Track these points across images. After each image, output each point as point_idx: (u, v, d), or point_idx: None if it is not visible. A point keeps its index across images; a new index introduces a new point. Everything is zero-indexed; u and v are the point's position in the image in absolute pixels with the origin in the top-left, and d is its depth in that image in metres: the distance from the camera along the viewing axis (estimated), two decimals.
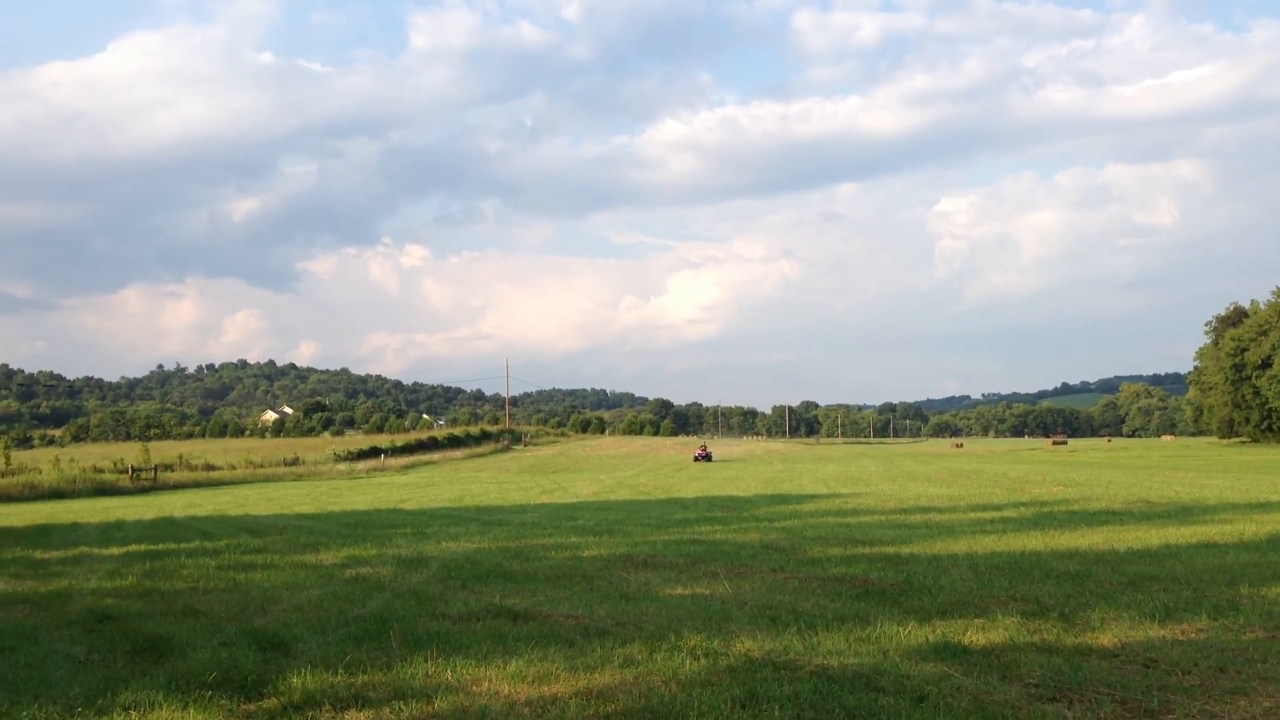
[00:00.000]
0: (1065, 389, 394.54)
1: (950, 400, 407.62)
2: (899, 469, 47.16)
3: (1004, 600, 9.73)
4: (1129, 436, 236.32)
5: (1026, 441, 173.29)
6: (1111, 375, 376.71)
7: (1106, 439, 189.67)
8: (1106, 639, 8.02)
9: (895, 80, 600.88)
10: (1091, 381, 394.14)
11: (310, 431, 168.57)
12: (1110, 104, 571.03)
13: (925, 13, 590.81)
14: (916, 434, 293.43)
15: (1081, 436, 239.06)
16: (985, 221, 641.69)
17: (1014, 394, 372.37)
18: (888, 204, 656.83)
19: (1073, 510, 20.17)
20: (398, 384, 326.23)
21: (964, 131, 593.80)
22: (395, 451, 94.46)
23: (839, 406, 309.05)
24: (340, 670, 7.45)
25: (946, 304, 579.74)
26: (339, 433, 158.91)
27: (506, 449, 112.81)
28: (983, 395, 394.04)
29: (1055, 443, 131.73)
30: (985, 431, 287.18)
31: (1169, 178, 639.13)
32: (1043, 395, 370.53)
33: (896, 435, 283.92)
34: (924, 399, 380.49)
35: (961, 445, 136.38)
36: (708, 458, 69.63)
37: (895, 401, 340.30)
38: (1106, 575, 11.14)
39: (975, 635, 8.17)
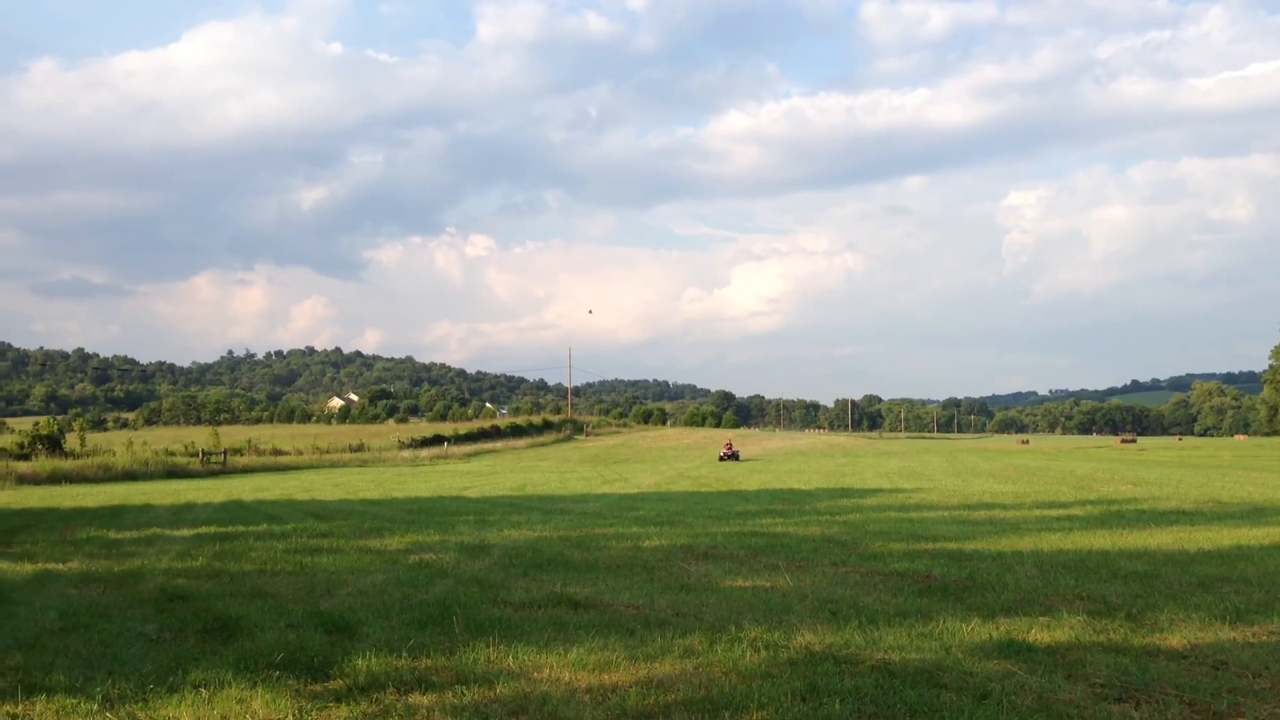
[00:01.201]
0: (1135, 386, 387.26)
1: (1016, 396, 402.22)
2: (963, 465, 46.65)
3: (1070, 599, 9.60)
4: (1201, 435, 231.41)
5: (1094, 439, 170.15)
6: (1183, 373, 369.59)
7: (1177, 438, 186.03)
8: (1175, 640, 7.88)
9: (964, 72, 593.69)
10: (1162, 379, 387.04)
11: (375, 419, 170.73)
12: (1186, 97, 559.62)
13: (996, 3, 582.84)
14: (981, 430, 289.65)
15: (1151, 435, 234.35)
16: (1055, 216, 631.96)
17: (1082, 391, 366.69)
18: (955, 197, 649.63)
19: (1141, 509, 19.83)
20: (461, 372, 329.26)
21: (1034, 124, 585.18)
22: (458, 440, 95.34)
23: (902, 401, 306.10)
24: (404, 654, 7.55)
25: (1014, 299, 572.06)
26: (403, 420, 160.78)
27: (568, 439, 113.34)
28: (1050, 391, 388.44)
29: (1124, 441, 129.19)
30: (1052, 428, 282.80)
31: (1245, 172, 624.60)
32: (1112, 392, 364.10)
33: (960, 431, 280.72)
34: (989, 394, 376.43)
35: (1027, 442, 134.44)
36: (734, 456, 60.68)
37: (960, 397, 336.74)
38: (1176, 576, 10.94)
39: (1040, 633, 8.07)
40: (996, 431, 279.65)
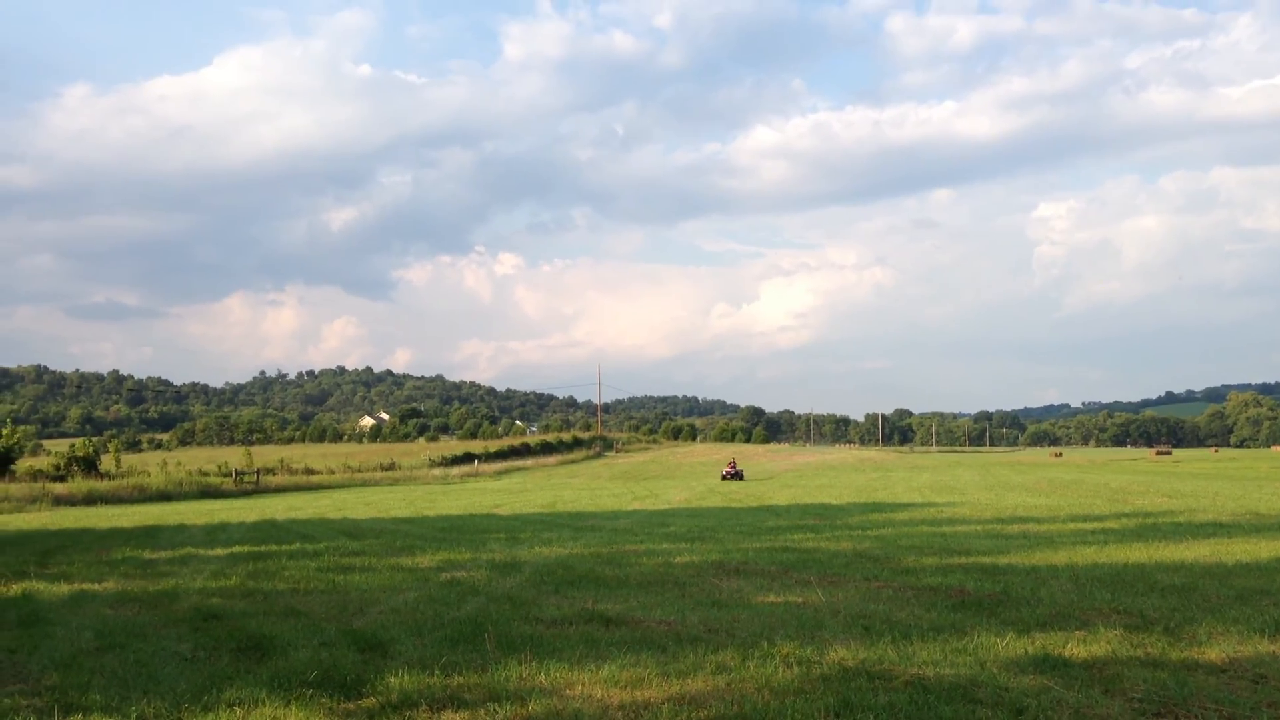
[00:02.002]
0: (1170, 398, 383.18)
1: (1049, 409, 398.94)
2: (995, 478, 46.32)
3: (1106, 613, 9.50)
4: (1237, 447, 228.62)
5: (1129, 451, 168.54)
6: (1219, 384, 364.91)
7: (1213, 449, 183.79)
8: (1213, 654, 7.78)
9: (992, 84, 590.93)
10: (1197, 390, 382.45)
11: (406, 437, 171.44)
12: (1216, 106, 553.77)
13: (1023, 14, 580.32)
14: (1013, 443, 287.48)
15: (1187, 447, 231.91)
16: (1085, 227, 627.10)
17: (1115, 403, 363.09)
18: (984, 210, 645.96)
19: (1178, 522, 19.61)
20: (491, 390, 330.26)
21: (1063, 135, 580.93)
22: (489, 457, 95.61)
23: (933, 415, 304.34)
24: (436, 671, 7.56)
25: (1045, 311, 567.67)
26: (434, 439, 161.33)
27: (598, 455, 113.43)
28: (1083, 404, 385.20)
29: (1159, 453, 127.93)
30: (1085, 441, 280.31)
31: (1278, 181, 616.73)
32: (1146, 404, 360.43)
33: (993, 444, 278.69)
34: (1021, 407, 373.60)
35: (1060, 455, 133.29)
36: (737, 476, 57.36)
37: (991, 410, 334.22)
38: (1214, 589, 10.81)
39: (1076, 648, 7.99)
40: (1029, 445, 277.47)
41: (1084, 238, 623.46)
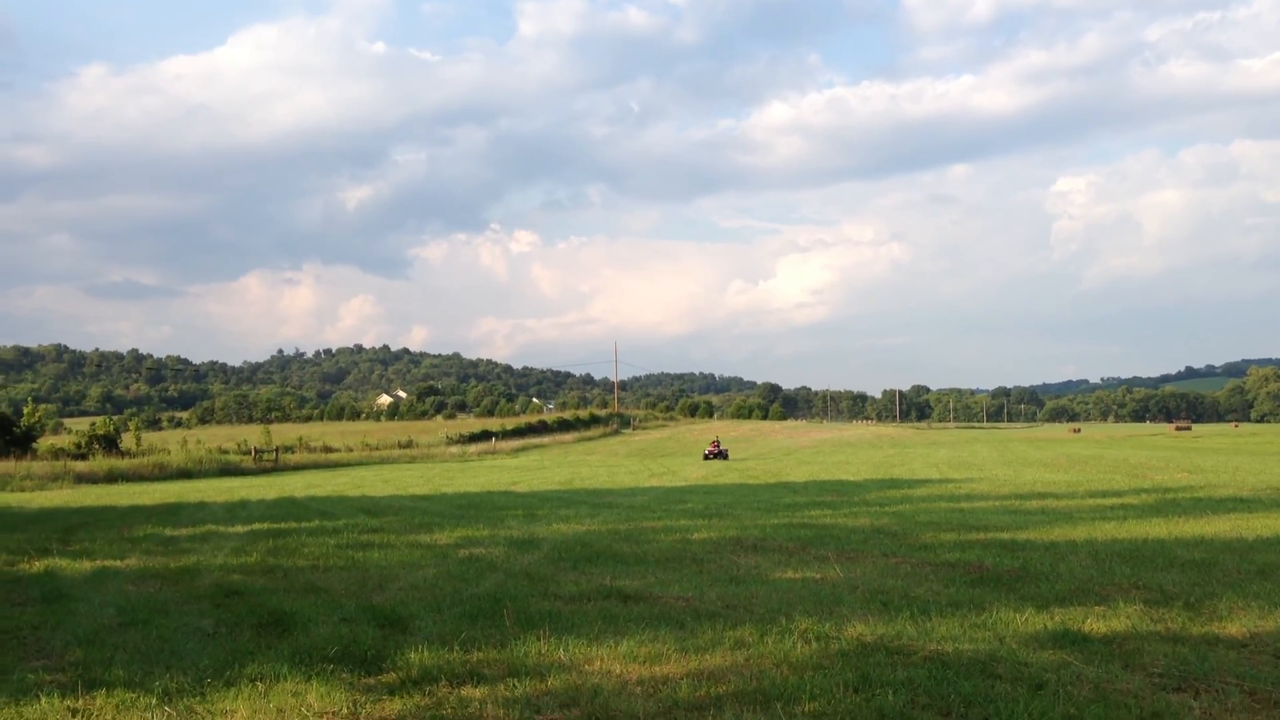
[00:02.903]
0: (1189, 373, 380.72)
1: (1067, 384, 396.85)
2: (1014, 454, 46.20)
3: (1126, 588, 9.48)
4: (1257, 422, 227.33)
5: (1148, 427, 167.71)
6: (1239, 358, 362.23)
7: (1233, 424, 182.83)
8: (1234, 628, 7.76)
9: (1010, 57, 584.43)
10: (1217, 365, 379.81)
11: (423, 415, 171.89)
12: (1238, 78, 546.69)
13: None
14: (1032, 419, 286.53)
15: (1207, 422, 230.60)
16: (1105, 201, 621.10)
17: (1135, 378, 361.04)
18: (1001, 185, 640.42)
19: (1198, 497, 19.53)
20: (508, 368, 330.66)
21: (1082, 109, 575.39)
22: (506, 435, 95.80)
23: (951, 391, 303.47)
24: (456, 647, 7.60)
25: (1063, 286, 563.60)
26: (451, 416, 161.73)
27: (615, 432, 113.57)
28: (1102, 379, 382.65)
29: (1179, 428, 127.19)
30: (1104, 416, 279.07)
31: None
32: (1165, 379, 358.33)
33: (1011, 420, 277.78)
34: (1040, 383, 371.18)
35: (1079, 430, 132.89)
36: (721, 455, 54.08)
37: (1009, 386, 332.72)
38: (1234, 564, 10.77)
39: (1096, 623, 7.97)
40: (1047, 420, 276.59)
41: (1103, 212, 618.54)
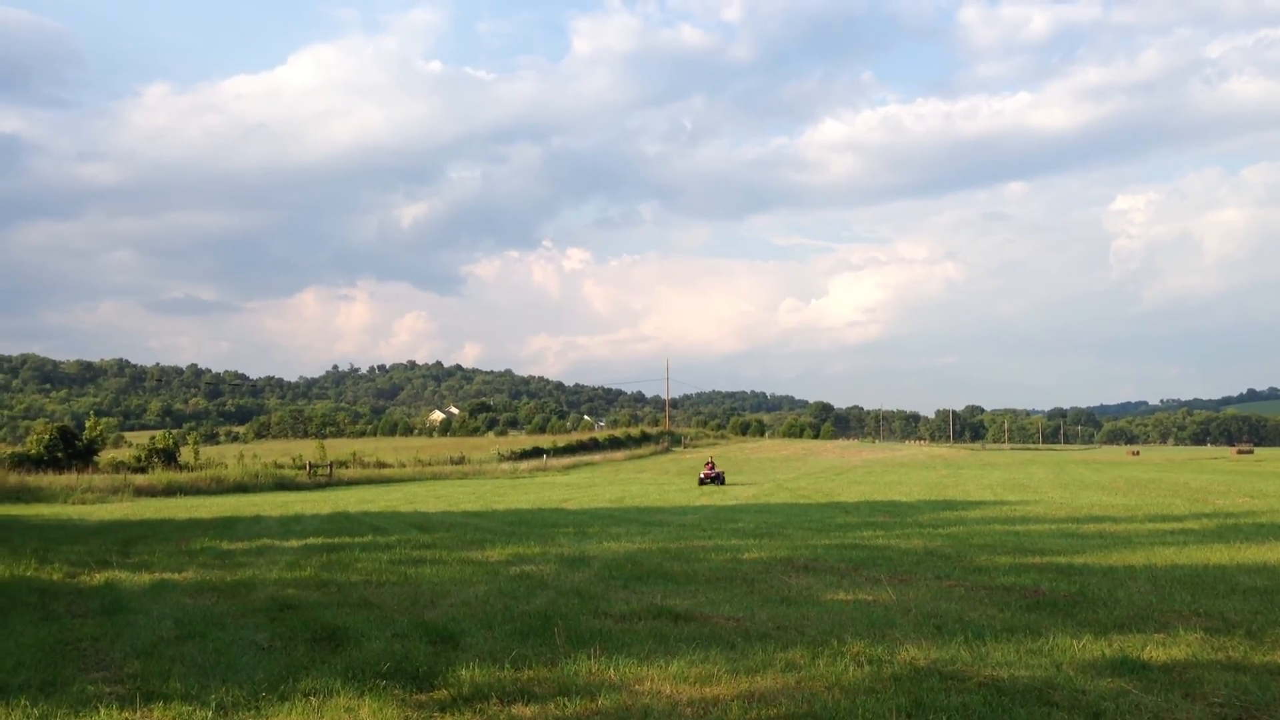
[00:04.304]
0: (1252, 395, 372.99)
1: (1125, 406, 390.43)
2: (1070, 476, 45.54)
3: (1186, 615, 9.29)
4: None
5: (1209, 450, 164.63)
6: None
7: None
8: None
9: (1067, 74, 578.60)
10: None
11: (475, 431, 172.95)
12: None
13: (1100, 3, 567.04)
14: (1089, 441, 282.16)
15: (1270, 445, 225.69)
16: (1164, 220, 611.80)
17: (1195, 400, 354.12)
18: (1058, 203, 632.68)
19: (1260, 523, 19.12)
20: (559, 385, 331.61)
21: (1141, 126, 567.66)
22: (557, 452, 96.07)
23: (1005, 411, 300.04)
24: (507, 665, 7.62)
25: (1122, 306, 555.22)
26: (503, 433, 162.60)
27: (666, 450, 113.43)
28: (1161, 401, 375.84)
29: (1240, 452, 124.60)
30: (1164, 439, 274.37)
31: None
32: (1227, 401, 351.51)
33: (1067, 442, 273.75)
34: (1097, 404, 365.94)
35: (1138, 453, 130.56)
36: (717, 480, 47.85)
37: (1066, 407, 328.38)
38: None
39: (1155, 651, 7.82)
40: (1105, 442, 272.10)
41: (1163, 231, 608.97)
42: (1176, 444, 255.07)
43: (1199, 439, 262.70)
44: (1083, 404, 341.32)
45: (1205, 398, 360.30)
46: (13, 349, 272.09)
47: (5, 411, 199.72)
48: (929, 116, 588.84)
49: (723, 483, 47.48)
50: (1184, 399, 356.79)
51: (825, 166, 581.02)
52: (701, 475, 48.93)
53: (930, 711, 6.28)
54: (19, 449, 57.10)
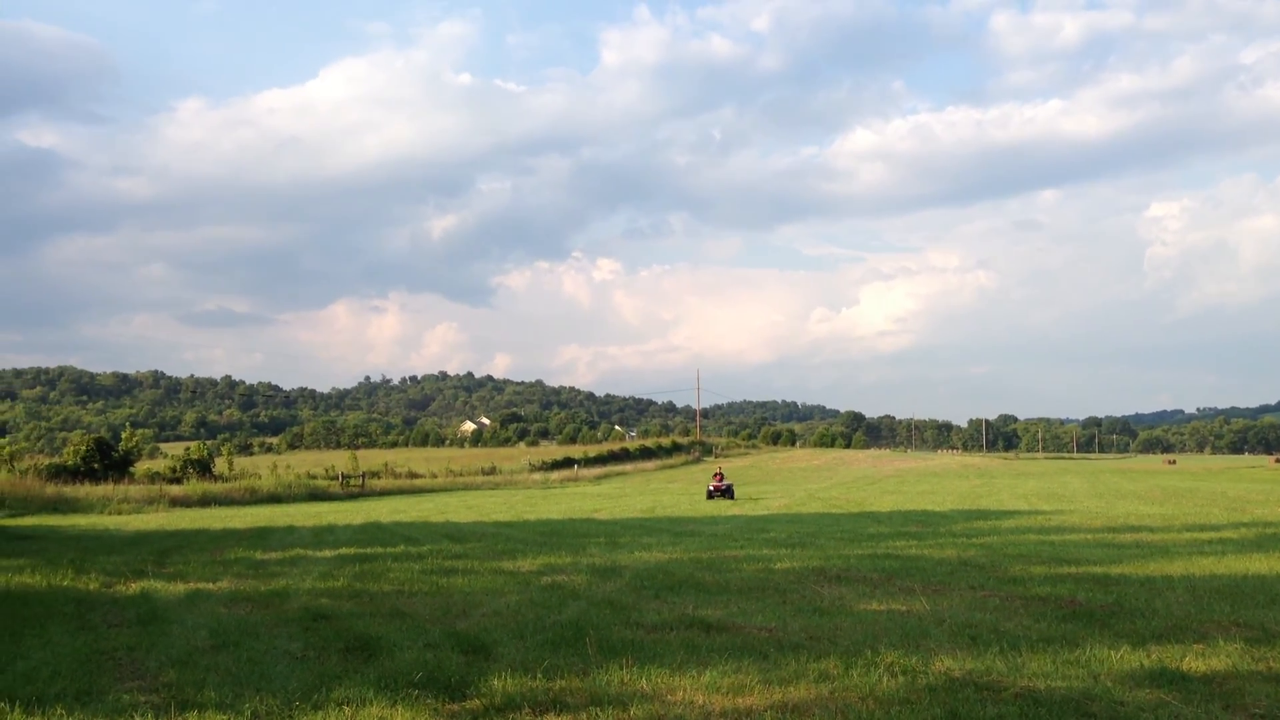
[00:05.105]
0: None
1: (1161, 415, 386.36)
2: (1106, 486, 45.10)
3: (1225, 625, 9.17)
4: None
5: (1247, 459, 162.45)
6: None
7: None
8: None
9: (1100, 82, 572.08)
10: None
11: (506, 442, 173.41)
12: None
13: (1133, 10, 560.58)
14: (1124, 450, 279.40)
15: None
16: (1200, 227, 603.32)
17: (1232, 408, 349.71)
18: (1092, 211, 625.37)
19: None
20: (590, 396, 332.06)
21: (1175, 133, 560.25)
22: (588, 462, 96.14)
23: (1039, 420, 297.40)
24: (539, 675, 7.61)
25: (1157, 314, 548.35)
26: (534, 443, 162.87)
27: (697, 460, 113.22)
28: (1198, 410, 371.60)
29: (1279, 460, 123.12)
30: (1200, 448, 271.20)
31: None
32: (1265, 410, 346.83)
33: (1102, 451, 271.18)
34: (1132, 413, 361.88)
35: (1174, 462, 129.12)
36: (726, 493, 42.12)
37: (1101, 415, 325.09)
38: None
39: (1194, 661, 7.72)
40: (1140, 451, 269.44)
41: (1198, 238, 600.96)
42: (1213, 453, 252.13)
43: (1236, 447, 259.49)
44: (1117, 413, 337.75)
45: (1242, 406, 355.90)
46: (50, 361, 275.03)
47: (43, 423, 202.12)
48: (960, 125, 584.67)
49: (732, 496, 42.07)
50: (1220, 407, 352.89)
51: (856, 176, 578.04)
52: (710, 488, 43.11)
53: None
54: (56, 460, 57.66)
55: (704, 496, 42.37)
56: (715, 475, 46.08)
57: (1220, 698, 6.76)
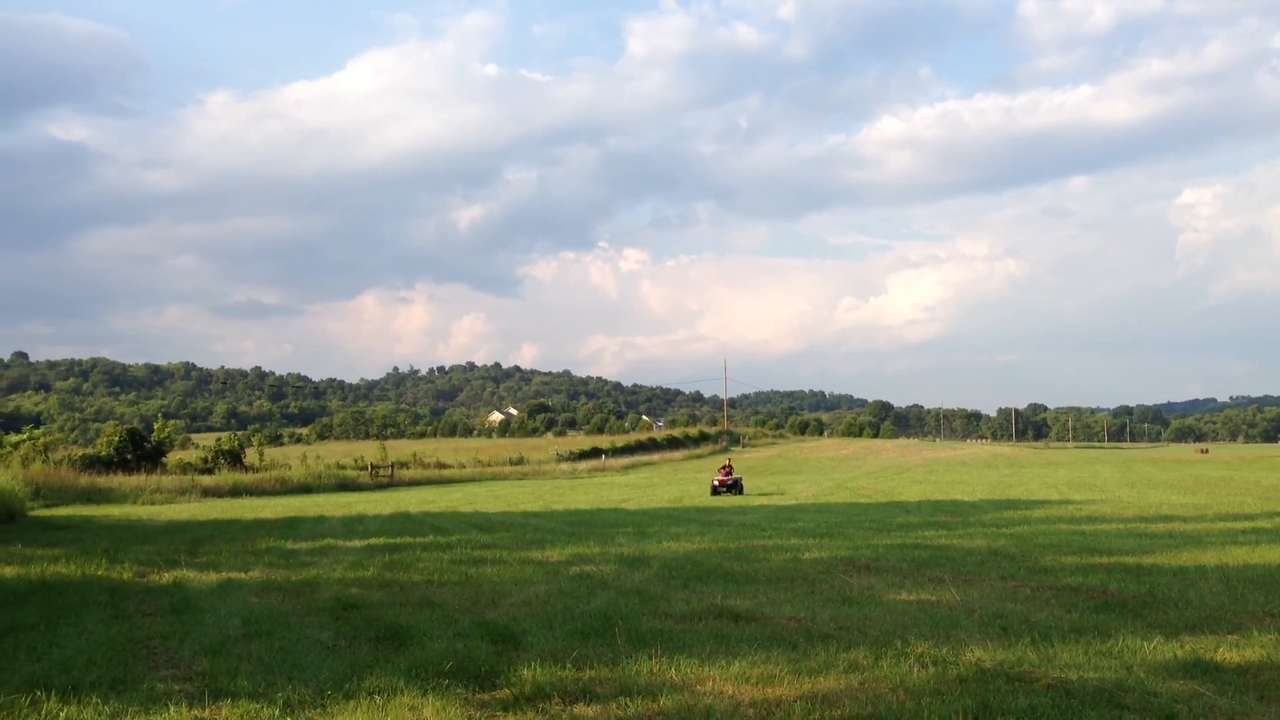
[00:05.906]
0: None
1: (1193, 403, 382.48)
2: (1137, 475, 44.74)
3: (1260, 616, 9.08)
4: None
5: None
6: None
7: None
8: None
9: (1130, 67, 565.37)
10: None
11: (534, 432, 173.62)
12: None
13: None
14: (1156, 439, 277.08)
15: None
16: (1233, 213, 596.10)
17: (1265, 397, 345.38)
18: (1123, 197, 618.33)
19: None
20: (617, 385, 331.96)
21: (1207, 118, 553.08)
22: (615, 452, 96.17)
23: (1069, 409, 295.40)
24: (568, 664, 7.63)
25: (1189, 301, 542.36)
26: (561, 433, 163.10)
27: (725, 450, 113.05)
28: (1230, 398, 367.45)
29: None
30: (1234, 437, 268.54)
31: None
32: None
33: (1133, 440, 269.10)
34: (1164, 402, 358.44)
35: (1207, 451, 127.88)
36: (734, 487, 37.67)
37: (1132, 404, 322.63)
38: None
39: (1228, 652, 7.65)
40: (1173, 440, 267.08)
41: (1231, 225, 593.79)
42: (1247, 441, 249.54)
43: (1270, 436, 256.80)
44: (1149, 401, 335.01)
45: (1276, 394, 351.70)
46: (84, 353, 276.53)
47: (76, 414, 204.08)
48: (988, 111, 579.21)
49: (740, 491, 37.82)
50: (1254, 396, 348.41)
51: (883, 164, 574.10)
52: (715, 482, 38.66)
53: (997, 714, 6.20)
54: (90, 451, 58.29)
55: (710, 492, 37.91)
56: (722, 469, 40.39)
57: (1255, 689, 6.70)
